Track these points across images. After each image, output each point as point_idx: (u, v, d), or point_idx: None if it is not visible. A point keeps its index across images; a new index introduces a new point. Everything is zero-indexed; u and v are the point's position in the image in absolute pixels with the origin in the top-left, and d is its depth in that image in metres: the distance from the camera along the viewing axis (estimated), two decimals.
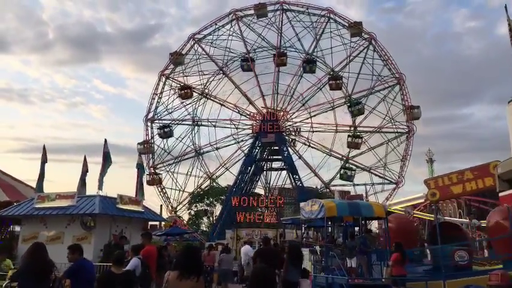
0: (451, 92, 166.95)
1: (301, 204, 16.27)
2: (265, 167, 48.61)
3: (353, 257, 13.59)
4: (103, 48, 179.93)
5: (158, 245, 28.20)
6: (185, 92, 45.83)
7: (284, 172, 47.01)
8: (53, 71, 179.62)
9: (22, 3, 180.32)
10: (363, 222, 16.47)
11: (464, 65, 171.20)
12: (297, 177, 44.38)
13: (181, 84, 46.36)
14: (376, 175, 44.95)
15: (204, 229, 45.65)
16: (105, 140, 21.28)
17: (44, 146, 21.96)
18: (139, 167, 23.64)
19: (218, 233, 37.68)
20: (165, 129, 46.20)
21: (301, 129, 46.30)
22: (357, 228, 18.08)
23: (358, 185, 44.94)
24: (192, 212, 45.14)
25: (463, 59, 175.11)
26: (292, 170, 44.81)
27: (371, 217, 15.41)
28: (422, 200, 27.27)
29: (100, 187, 20.00)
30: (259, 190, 49.22)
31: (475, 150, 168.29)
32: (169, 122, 47.08)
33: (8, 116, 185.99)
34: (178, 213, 45.99)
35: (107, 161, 20.57)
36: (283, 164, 46.11)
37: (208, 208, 44.49)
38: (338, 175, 45.37)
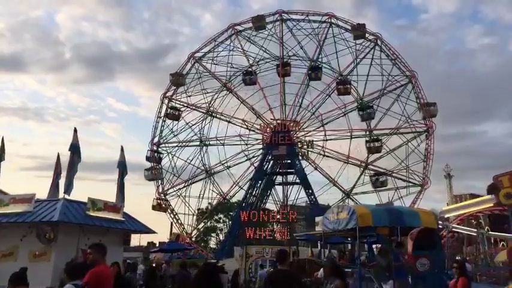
0: (465, 109, 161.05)
1: (318, 219, 13.44)
2: (276, 181, 45.85)
3: (388, 281, 10.59)
4: (118, 67, 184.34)
5: (152, 264, 25.51)
6: (173, 113, 44.99)
7: (296, 187, 44.01)
8: (68, 90, 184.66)
9: (39, 23, 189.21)
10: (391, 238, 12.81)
11: (479, 82, 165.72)
12: (310, 191, 41.42)
13: (171, 106, 45.58)
14: (399, 179, 41.49)
15: (213, 246, 43.03)
16: (75, 129, 18.35)
17: (3, 138, 19.26)
18: (120, 166, 20.01)
19: (227, 250, 34.93)
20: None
21: (314, 139, 43.84)
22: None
23: (381, 190, 41.55)
24: (201, 229, 42.70)
25: (477, 76, 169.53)
26: (305, 184, 41.92)
27: (415, 228, 11.52)
28: (491, 204, 21.02)
29: (67, 190, 16.94)
30: (271, 206, 46.33)
31: (491, 168, 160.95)
32: (176, 144, 45.74)
33: (23, 134, 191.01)
34: (193, 238, 43.79)
35: (75, 156, 17.62)
36: (295, 178, 43.33)
37: (217, 225, 42.04)
38: (357, 182, 42.29)
